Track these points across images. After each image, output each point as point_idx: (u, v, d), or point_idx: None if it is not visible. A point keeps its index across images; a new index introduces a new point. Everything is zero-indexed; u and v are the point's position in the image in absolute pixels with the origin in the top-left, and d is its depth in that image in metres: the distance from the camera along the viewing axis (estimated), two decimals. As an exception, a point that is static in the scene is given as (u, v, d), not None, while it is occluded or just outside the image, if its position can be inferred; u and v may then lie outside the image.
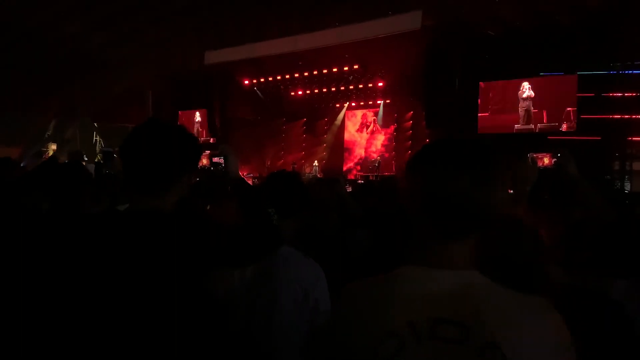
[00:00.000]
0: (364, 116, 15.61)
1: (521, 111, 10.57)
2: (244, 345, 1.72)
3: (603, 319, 1.51)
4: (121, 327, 1.24)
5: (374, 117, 15.28)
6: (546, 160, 2.13)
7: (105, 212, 1.42)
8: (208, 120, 15.23)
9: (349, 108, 15.81)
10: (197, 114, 16.01)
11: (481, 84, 11.04)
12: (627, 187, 9.71)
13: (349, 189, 5.67)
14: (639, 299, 1.74)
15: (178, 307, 1.28)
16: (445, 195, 0.92)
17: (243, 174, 14.06)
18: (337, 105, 15.85)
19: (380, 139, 15.13)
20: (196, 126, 16.25)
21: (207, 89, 14.95)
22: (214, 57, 12.71)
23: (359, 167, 15.33)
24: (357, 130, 15.64)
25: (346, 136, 15.87)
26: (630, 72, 9.44)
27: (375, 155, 14.80)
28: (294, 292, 1.69)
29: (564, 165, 2.06)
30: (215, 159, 1.99)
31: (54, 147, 13.32)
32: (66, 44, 11.86)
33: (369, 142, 15.38)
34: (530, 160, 2.16)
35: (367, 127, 15.43)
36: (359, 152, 15.59)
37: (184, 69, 13.59)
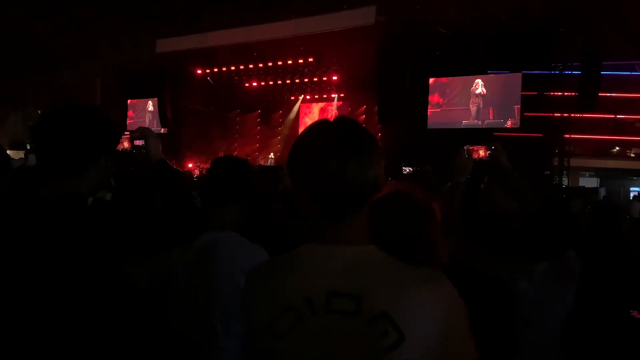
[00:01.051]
0: (323, 110, 15.62)
1: (473, 107, 10.93)
2: (174, 332, 1.71)
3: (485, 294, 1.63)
4: (29, 318, 1.23)
5: (336, 111, 15.34)
6: (482, 153, 2.23)
7: (19, 198, 1.37)
8: (159, 111, 14.83)
9: (304, 101, 15.83)
10: (150, 103, 15.57)
11: (431, 80, 11.33)
12: (565, 182, 10.25)
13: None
14: (555, 279, 1.89)
15: (90, 294, 1.26)
16: (317, 178, 0.94)
17: (191, 164, 13.85)
18: (292, 98, 15.85)
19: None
20: (148, 116, 15.83)
21: (158, 79, 14.54)
22: (165, 45, 12.41)
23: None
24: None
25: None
26: (569, 72, 9.94)
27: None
28: (234, 278, 1.63)
29: (497, 157, 2.18)
30: (137, 142, 1.91)
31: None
32: (10, 31, 11.26)
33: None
34: (466, 152, 2.24)
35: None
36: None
37: (134, 57, 13.18)
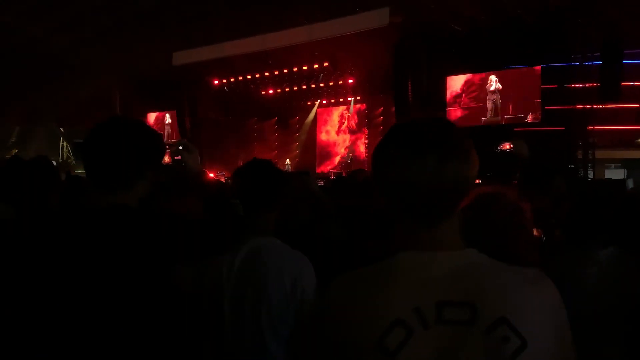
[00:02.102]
0: (341, 116, 15.62)
1: (489, 104, 10.81)
2: (221, 337, 1.73)
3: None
4: (88, 324, 1.25)
5: (348, 114, 15.34)
6: (507, 146, 2.28)
7: (71, 210, 1.41)
8: (178, 122, 15.04)
9: (321, 106, 15.85)
10: (167, 115, 15.81)
11: (448, 78, 11.24)
12: (590, 174, 10.04)
13: (321, 184, 5.71)
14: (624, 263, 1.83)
15: (143, 302, 1.29)
16: (415, 178, 0.90)
17: (215, 173, 13.98)
18: (309, 103, 15.88)
19: (358, 137, 15.20)
20: (166, 128, 16.06)
21: (175, 90, 14.76)
22: (181, 57, 12.56)
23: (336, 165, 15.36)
24: (337, 132, 15.58)
25: (324, 138, 15.84)
26: (589, 63, 9.75)
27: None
28: (281, 283, 1.68)
29: (518, 150, 2.20)
30: (178, 157, 1.96)
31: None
32: (29, 48, 11.54)
33: (345, 141, 15.42)
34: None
35: (342, 124, 15.46)
36: (340, 152, 15.53)
37: (151, 70, 13.38)
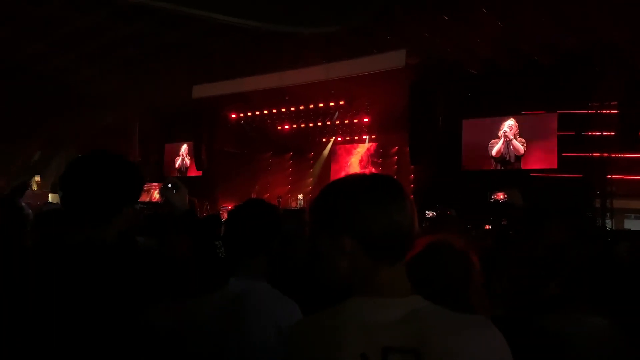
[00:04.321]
0: (355, 152, 15.65)
1: (503, 147, 10.75)
2: None
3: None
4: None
5: (362, 152, 15.35)
6: (501, 196, 2.28)
7: (42, 246, 1.40)
8: (195, 154, 15.25)
9: (336, 143, 15.94)
10: (184, 147, 16.05)
11: (464, 121, 11.24)
12: (608, 224, 9.79)
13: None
14: (616, 340, 1.71)
15: (111, 339, 1.26)
16: (370, 225, 0.97)
17: (225, 207, 14.03)
18: (324, 140, 15.98)
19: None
20: (183, 160, 16.28)
21: (194, 123, 15.04)
22: (201, 91, 12.84)
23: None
24: (351, 169, 15.56)
25: (337, 174, 15.85)
26: (607, 112, 9.67)
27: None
28: (264, 329, 1.66)
29: (512, 199, 2.19)
30: (165, 194, 1.98)
31: (37, 178, 13.20)
32: (54, 77, 11.94)
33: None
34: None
35: (356, 162, 15.47)
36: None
37: (171, 102, 13.69)
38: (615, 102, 9.34)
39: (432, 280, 1.11)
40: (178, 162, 16.55)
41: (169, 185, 1.69)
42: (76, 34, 9.78)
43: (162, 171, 16.63)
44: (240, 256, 1.80)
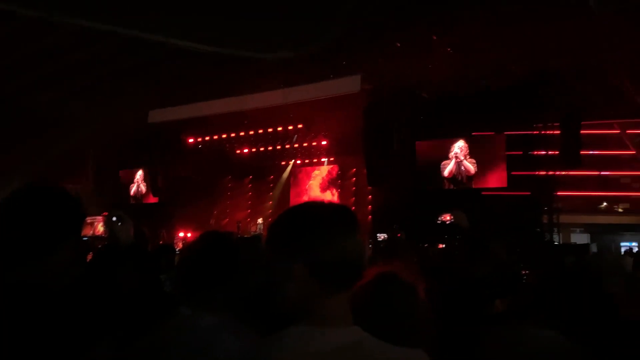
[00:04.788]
0: (313, 175, 15.74)
1: (454, 167, 11.14)
2: None
3: None
4: None
5: (321, 175, 15.47)
6: (448, 218, 2.39)
7: None
8: (151, 180, 14.92)
9: (295, 166, 16.02)
10: (139, 173, 15.71)
11: (417, 143, 11.61)
12: (556, 239, 10.26)
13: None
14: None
15: None
16: (324, 254, 0.97)
17: (182, 233, 13.74)
18: (283, 163, 16.03)
19: (330, 198, 15.28)
20: (139, 186, 15.91)
21: (150, 148, 14.74)
22: (158, 115, 12.66)
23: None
24: (310, 193, 15.58)
25: (297, 198, 15.84)
26: (550, 132, 10.24)
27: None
28: None
29: (458, 221, 2.26)
30: (110, 227, 1.91)
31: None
32: (5, 102, 11.50)
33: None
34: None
35: (315, 184, 15.55)
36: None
37: (126, 127, 13.41)
38: (558, 124, 9.91)
39: (376, 312, 1.12)
40: (133, 189, 16.14)
41: (114, 218, 1.65)
42: (29, 58, 9.51)
43: (116, 199, 16.17)
44: (194, 289, 1.73)
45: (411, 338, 1.06)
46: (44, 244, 1.32)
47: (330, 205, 1.07)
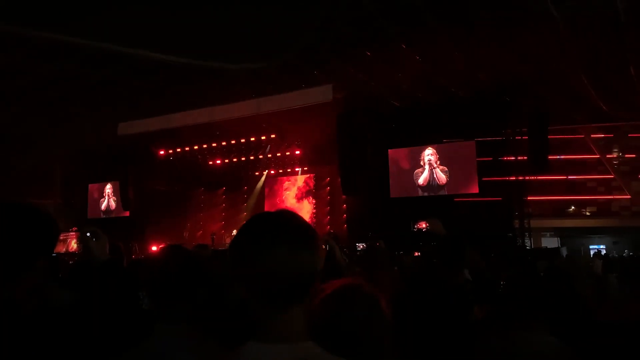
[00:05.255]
0: (287, 185, 15.69)
1: (427, 175, 11.29)
2: None
3: None
4: None
5: (295, 184, 15.45)
6: (424, 225, 2.41)
7: None
8: (121, 193, 14.61)
9: (269, 176, 15.95)
10: (108, 186, 15.41)
11: (390, 151, 11.72)
12: (527, 243, 10.45)
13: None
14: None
15: None
16: (267, 267, 0.95)
17: (155, 247, 13.48)
18: (257, 174, 15.95)
19: (305, 207, 15.25)
20: (109, 200, 15.59)
21: (119, 161, 14.45)
22: (127, 128, 12.45)
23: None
24: (285, 202, 15.50)
25: (271, 208, 15.75)
26: (519, 138, 10.48)
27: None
28: None
29: (433, 228, 2.27)
30: (84, 244, 1.85)
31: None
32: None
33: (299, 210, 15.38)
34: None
35: (290, 194, 15.51)
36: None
37: (95, 141, 13.13)
38: (525, 129, 10.15)
39: (335, 326, 1.09)
40: (103, 203, 15.81)
41: (88, 234, 1.61)
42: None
43: (86, 214, 15.78)
44: (162, 305, 1.73)
45: (372, 352, 1.03)
46: (16, 263, 1.27)
47: (277, 217, 1.02)
